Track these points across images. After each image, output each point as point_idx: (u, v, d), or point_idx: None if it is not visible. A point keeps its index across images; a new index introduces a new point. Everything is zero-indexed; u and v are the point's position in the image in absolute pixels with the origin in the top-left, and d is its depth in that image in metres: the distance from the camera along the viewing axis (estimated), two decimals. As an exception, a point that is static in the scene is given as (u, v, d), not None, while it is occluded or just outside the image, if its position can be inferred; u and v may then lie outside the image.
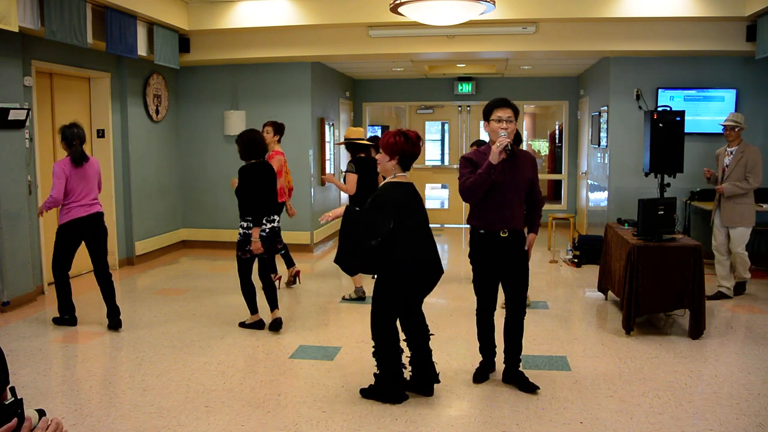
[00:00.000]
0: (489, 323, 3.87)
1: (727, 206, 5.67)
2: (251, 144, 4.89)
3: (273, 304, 5.04)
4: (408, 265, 3.46)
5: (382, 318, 3.56)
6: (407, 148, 3.51)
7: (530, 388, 3.72)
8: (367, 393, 3.69)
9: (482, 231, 3.67)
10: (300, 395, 3.74)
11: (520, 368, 3.85)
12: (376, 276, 3.58)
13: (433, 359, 3.76)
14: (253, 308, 5.04)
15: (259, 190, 4.84)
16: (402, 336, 3.71)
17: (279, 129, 6.19)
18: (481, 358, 3.97)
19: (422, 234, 3.55)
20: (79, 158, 4.89)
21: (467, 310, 5.61)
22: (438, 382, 3.76)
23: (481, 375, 3.91)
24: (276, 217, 4.99)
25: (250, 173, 4.83)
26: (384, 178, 3.65)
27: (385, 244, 3.43)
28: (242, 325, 5.09)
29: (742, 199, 5.63)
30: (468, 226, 3.88)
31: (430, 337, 3.75)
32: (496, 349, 3.95)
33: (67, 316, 5.13)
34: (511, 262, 3.70)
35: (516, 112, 3.62)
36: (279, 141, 6.22)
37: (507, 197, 3.61)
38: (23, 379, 3.94)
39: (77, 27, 5.65)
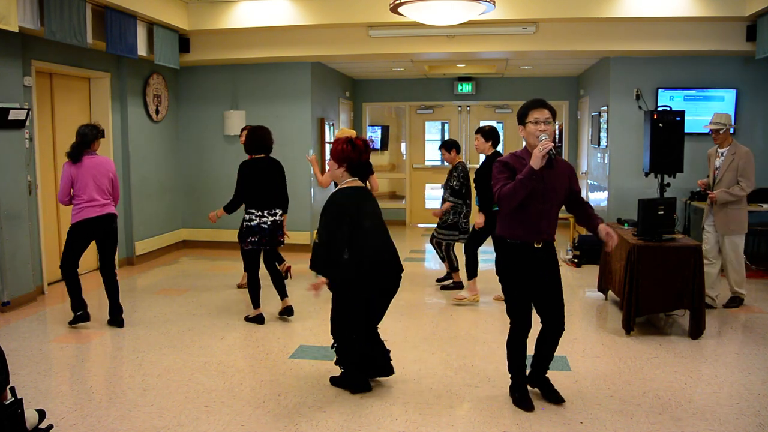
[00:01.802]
0: (524, 346, 3.55)
1: (721, 213, 5.44)
2: (253, 140, 5.17)
3: (282, 293, 5.32)
4: (367, 265, 3.55)
5: (344, 316, 3.68)
6: (354, 156, 3.62)
7: (556, 399, 3.56)
8: (336, 381, 3.86)
9: (516, 242, 3.41)
10: (300, 395, 3.74)
11: (547, 375, 3.69)
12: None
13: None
14: (256, 303, 5.22)
15: (255, 184, 5.07)
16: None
17: None
18: (513, 382, 3.64)
19: (379, 235, 3.64)
20: (71, 154, 4.94)
21: (467, 310, 5.62)
22: (390, 359, 3.85)
23: (529, 400, 3.55)
24: (278, 211, 5.18)
25: (246, 166, 5.12)
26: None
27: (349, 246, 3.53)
28: (247, 318, 5.28)
29: (736, 204, 5.38)
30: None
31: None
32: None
33: (79, 312, 5.10)
34: (546, 275, 3.47)
35: (554, 113, 3.39)
36: None
37: (545, 207, 3.37)
38: (23, 379, 3.94)
39: (77, 27, 5.65)
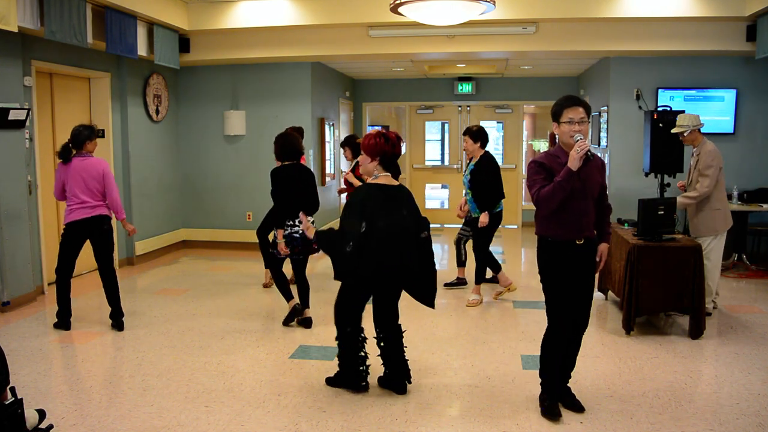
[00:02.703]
0: (562, 348, 3.44)
1: (693, 215, 5.24)
2: (284, 146, 5.02)
3: (304, 304, 5.18)
4: (371, 268, 3.50)
5: (343, 308, 3.70)
6: (387, 149, 3.59)
7: (576, 408, 3.48)
8: (332, 381, 3.85)
9: (558, 240, 3.35)
10: (300, 395, 3.74)
11: (569, 384, 3.61)
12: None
13: (409, 357, 3.86)
14: (288, 296, 5.18)
15: (288, 192, 4.90)
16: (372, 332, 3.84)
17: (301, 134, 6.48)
18: (543, 387, 3.50)
19: (394, 237, 3.53)
20: (60, 154, 4.97)
21: (467, 311, 5.62)
22: (409, 381, 3.80)
23: (557, 409, 3.43)
24: (310, 218, 5.00)
25: (276, 174, 4.95)
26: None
27: (359, 243, 3.49)
28: (286, 321, 5.17)
29: (704, 205, 5.13)
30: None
31: (403, 334, 3.84)
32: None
33: (61, 321, 5.08)
34: (583, 271, 3.41)
35: (588, 111, 3.32)
36: None
37: (582, 204, 3.32)
38: (23, 379, 3.94)
39: (77, 27, 5.65)
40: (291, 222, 4.90)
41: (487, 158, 5.67)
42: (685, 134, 5.26)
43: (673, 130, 5.39)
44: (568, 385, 3.60)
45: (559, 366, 3.52)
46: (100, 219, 5.00)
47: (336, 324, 3.73)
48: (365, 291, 3.69)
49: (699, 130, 5.27)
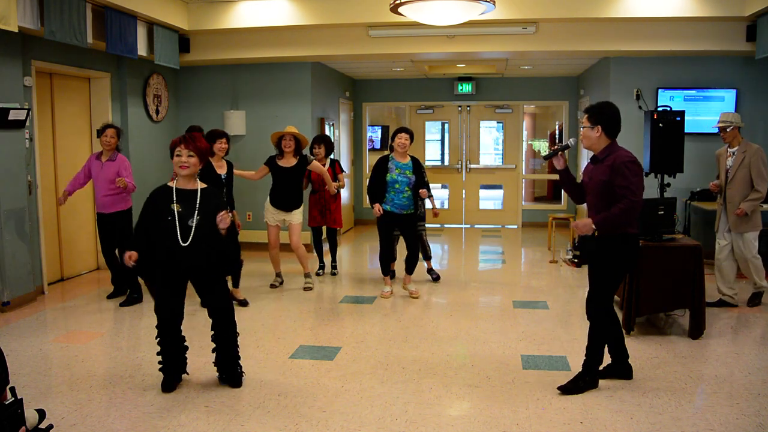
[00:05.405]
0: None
1: (732, 210, 5.32)
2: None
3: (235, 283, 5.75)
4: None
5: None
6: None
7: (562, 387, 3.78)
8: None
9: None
10: (300, 395, 3.74)
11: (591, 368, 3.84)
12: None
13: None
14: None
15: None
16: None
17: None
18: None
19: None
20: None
21: (467, 311, 5.62)
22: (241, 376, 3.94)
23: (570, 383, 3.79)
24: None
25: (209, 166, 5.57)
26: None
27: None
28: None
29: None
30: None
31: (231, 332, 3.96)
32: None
33: (135, 295, 5.73)
34: (591, 263, 3.83)
35: (590, 116, 3.68)
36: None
37: (588, 199, 3.80)
38: (23, 379, 3.94)
39: (77, 27, 5.65)
40: None
41: (417, 159, 6.02)
42: (728, 130, 5.30)
43: (717, 125, 5.40)
44: (584, 365, 3.82)
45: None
46: None
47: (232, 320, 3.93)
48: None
49: (739, 129, 5.33)
